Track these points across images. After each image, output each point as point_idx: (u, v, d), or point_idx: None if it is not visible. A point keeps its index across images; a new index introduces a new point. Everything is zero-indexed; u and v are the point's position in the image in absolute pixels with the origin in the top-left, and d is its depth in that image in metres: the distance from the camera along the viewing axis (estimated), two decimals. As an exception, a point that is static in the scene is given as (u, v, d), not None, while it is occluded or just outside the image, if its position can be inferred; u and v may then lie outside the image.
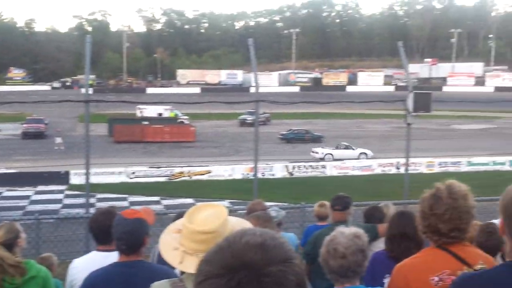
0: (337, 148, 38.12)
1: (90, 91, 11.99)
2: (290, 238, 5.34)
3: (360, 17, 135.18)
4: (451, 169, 31.28)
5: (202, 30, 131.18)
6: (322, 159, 35.69)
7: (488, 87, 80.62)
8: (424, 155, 31.31)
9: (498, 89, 77.58)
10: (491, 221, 4.01)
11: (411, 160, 28.83)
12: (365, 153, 37.34)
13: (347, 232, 2.97)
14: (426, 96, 11.36)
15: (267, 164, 29.92)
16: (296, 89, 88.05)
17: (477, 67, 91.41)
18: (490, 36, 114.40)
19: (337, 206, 5.01)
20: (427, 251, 2.93)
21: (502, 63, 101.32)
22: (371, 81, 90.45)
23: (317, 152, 37.46)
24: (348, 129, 48.37)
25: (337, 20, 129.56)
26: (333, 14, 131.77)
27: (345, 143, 38.57)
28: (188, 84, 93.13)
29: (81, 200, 19.10)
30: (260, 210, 4.71)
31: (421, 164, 31.26)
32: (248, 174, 27.96)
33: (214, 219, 2.11)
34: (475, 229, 4.63)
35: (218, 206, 2.21)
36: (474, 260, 2.73)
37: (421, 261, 2.86)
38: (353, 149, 37.69)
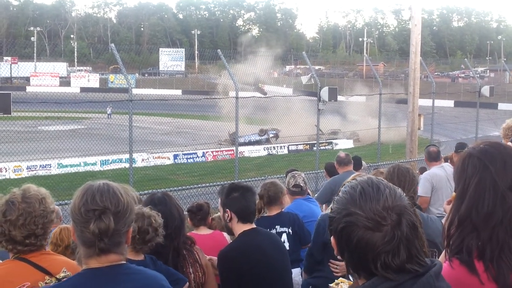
0: None
1: None
2: None
3: None
4: (41, 172, 30.43)
5: None
6: None
7: (74, 88, 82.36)
8: (10, 159, 30.06)
9: (83, 89, 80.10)
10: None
11: (-5, 164, 27.75)
12: None
13: None
14: (5, 96, 11.13)
15: None
16: None
17: (60, 67, 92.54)
18: (72, 36, 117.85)
19: None
20: (4, 264, 2.83)
21: (85, 64, 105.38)
22: None
23: None
24: None
25: None
26: None
27: None
28: None
29: None
30: None
31: (8, 169, 29.98)
32: None
33: None
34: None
35: None
36: (57, 268, 2.74)
37: None
38: None
